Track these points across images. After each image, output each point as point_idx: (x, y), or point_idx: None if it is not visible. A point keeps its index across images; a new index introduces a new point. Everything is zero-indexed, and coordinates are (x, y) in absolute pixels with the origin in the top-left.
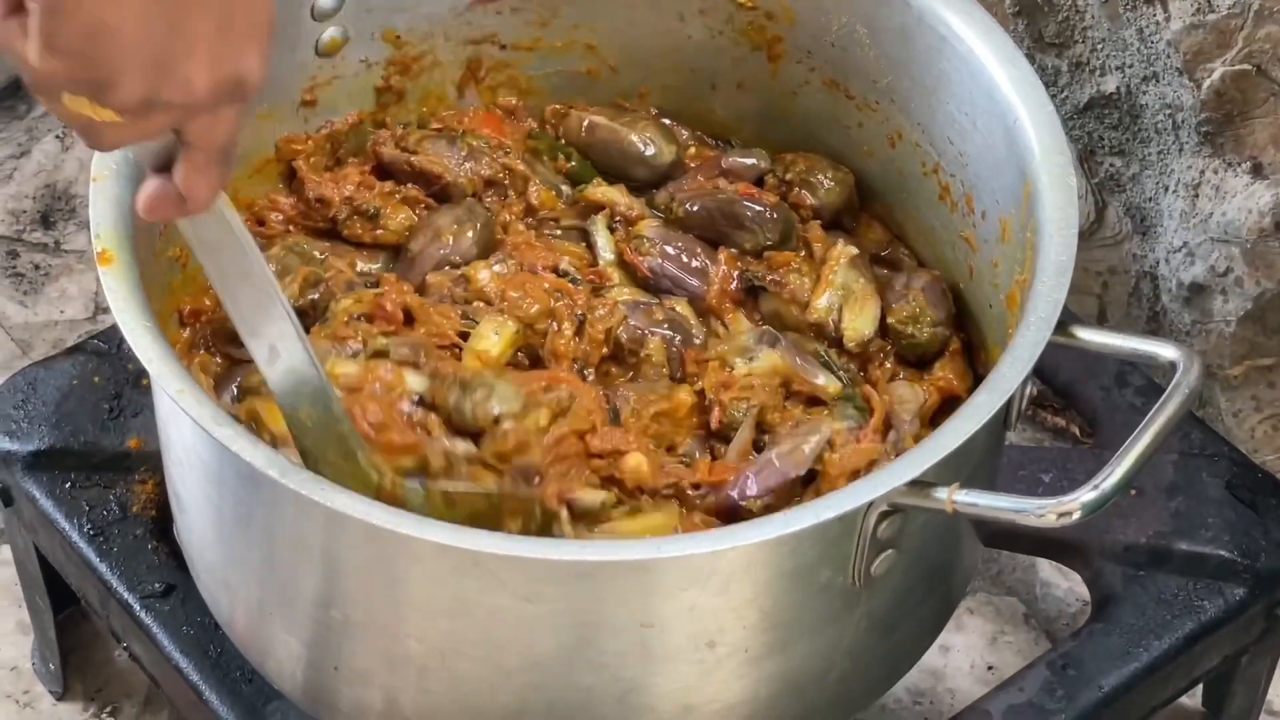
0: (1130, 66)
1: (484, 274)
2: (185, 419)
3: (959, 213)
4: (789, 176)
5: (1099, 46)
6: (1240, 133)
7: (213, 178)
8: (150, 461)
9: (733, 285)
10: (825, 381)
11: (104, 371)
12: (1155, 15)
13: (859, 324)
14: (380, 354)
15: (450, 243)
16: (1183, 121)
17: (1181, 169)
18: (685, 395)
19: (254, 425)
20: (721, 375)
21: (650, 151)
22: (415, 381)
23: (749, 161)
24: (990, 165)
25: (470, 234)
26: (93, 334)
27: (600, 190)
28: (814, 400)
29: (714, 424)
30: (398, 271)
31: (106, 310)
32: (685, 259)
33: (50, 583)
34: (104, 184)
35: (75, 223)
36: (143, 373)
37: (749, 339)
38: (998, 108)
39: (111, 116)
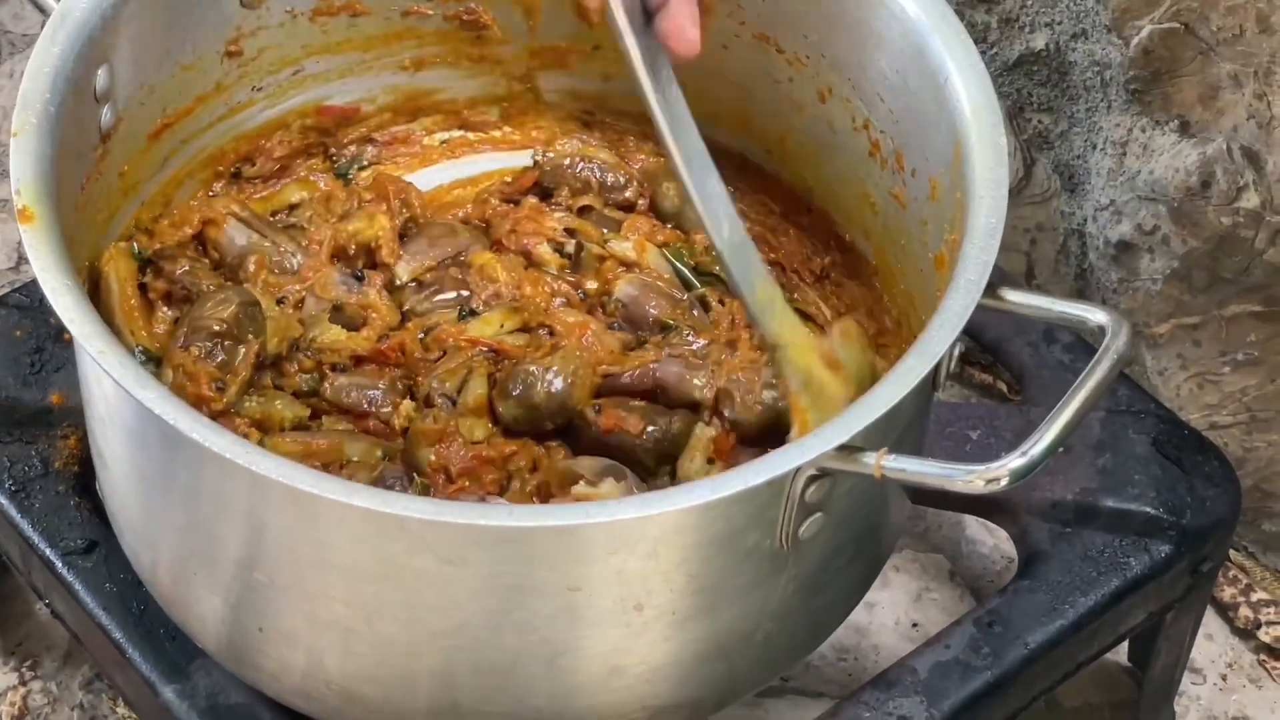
0: (1059, 23)
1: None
2: (107, 378)
3: (889, 169)
4: None
5: (1028, 3)
6: (1168, 91)
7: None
8: (72, 417)
9: None
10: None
11: (25, 325)
12: None
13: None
14: None
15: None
16: (1111, 79)
17: (1109, 127)
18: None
19: None
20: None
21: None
22: None
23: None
24: (920, 123)
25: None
26: (15, 286)
27: None
28: None
29: None
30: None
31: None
32: None
33: None
34: (24, 139)
35: None
36: (64, 327)
37: None
38: (928, 66)
39: None
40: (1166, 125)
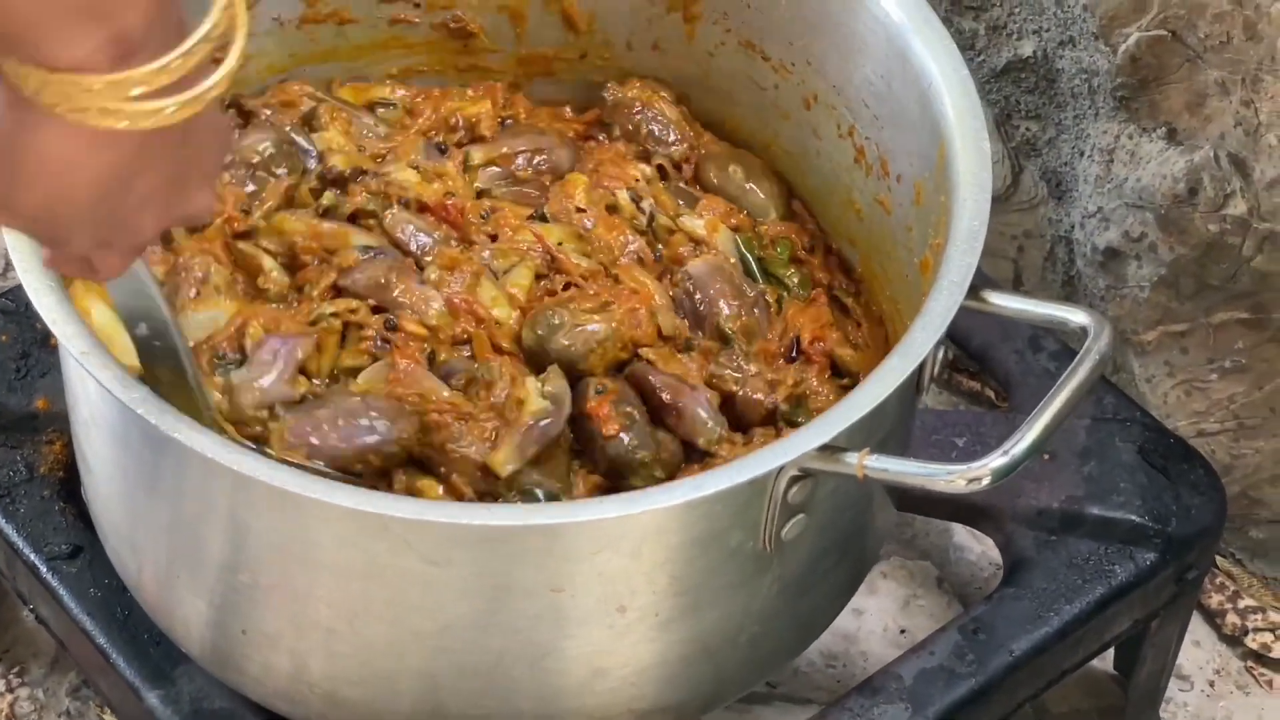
0: (1047, 30)
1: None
2: (91, 380)
3: (874, 175)
4: None
5: (1016, 10)
6: (1155, 98)
7: (129, 259)
8: (58, 422)
9: None
10: None
11: (11, 330)
12: None
13: None
14: None
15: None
16: (1098, 86)
17: (1097, 134)
18: None
19: None
20: None
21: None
22: None
23: None
24: (905, 128)
25: None
26: (1, 291)
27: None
28: None
29: None
30: None
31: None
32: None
33: None
34: None
35: None
36: (50, 332)
37: None
38: (913, 71)
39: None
40: (1154, 132)
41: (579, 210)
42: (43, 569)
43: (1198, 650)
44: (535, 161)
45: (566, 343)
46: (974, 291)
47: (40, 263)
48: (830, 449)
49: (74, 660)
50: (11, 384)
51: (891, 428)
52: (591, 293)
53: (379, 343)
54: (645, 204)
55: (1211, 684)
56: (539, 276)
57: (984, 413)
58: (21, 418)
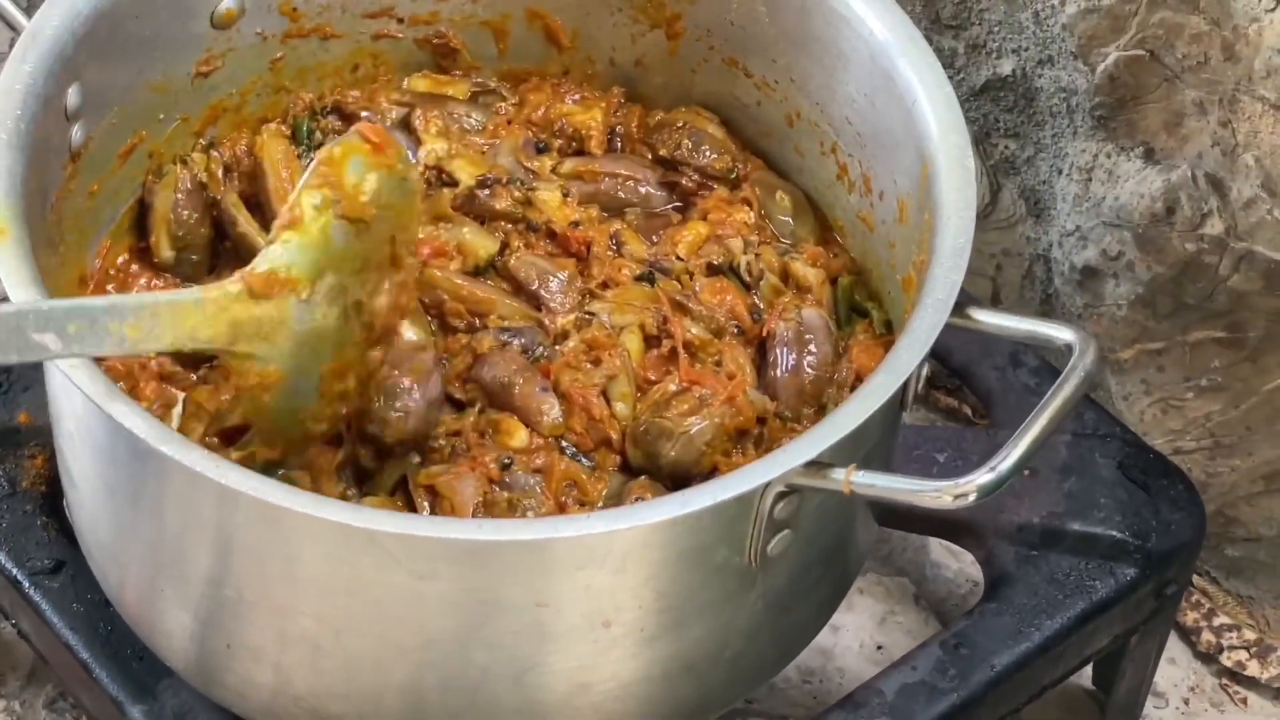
0: (1026, 50)
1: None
2: (76, 393)
3: (856, 192)
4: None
5: (995, 29)
6: (1133, 117)
7: None
8: (40, 436)
9: None
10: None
11: None
12: None
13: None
14: None
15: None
16: (1077, 105)
17: (1075, 152)
18: None
19: None
20: None
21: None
22: None
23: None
24: (888, 146)
25: None
26: None
27: None
28: None
29: None
30: None
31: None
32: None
33: None
34: None
35: None
36: None
37: None
38: (896, 89)
39: None
40: (1132, 151)
41: (688, 274)
42: (25, 584)
43: (1173, 667)
44: (622, 191)
45: (674, 454)
46: (958, 309)
47: (27, 278)
48: (817, 465)
49: (56, 675)
50: None
51: (876, 444)
52: (684, 388)
53: (462, 448)
54: (745, 259)
55: (1186, 701)
56: (647, 338)
57: (965, 429)
58: (3, 432)
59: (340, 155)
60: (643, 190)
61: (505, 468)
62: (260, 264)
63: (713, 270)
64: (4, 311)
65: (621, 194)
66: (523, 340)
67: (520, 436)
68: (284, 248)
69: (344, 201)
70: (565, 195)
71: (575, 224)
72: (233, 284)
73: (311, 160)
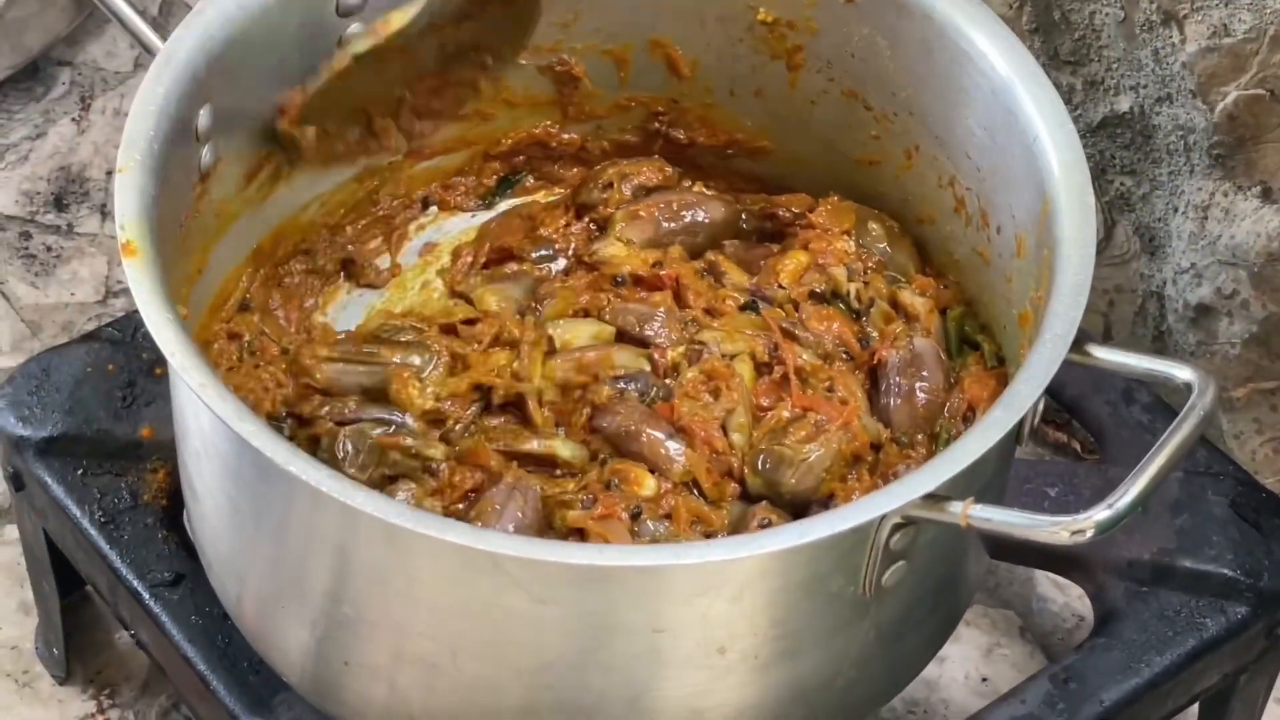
0: (1144, 87)
1: None
2: (204, 411)
3: (973, 226)
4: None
5: (1114, 66)
6: (1252, 156)
7: None
8: (162, 451)
9: None
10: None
11: (118, 359)
12: (1171, 37)
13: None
14: None
15: None
16: (1194, 143)
17: (1191, 190)
18: None
19: None
20: None
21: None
22: None
23: None
24: (1007, 181)
25: None
26: (104, 319)
27: None
28: None
29: None
30: None
31: (117, 294)
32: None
33: (56, 568)
34: (129, 175)
35: (88, 206)
36: (156, 362)
37: None
38: (1017, 124)
39: None
40: (1249, 190)
41: (791, 302)
42: (145, 596)
43: (1278, 707)
44: (673, 221)
45: (795, 481)
46: (1075, 345)
47: (157, 295)
48: (934, 498)
49: (174, 686)
50: (118, 412)
51: (991, 478)
52: (798, 415)
53: (589, 499)
54: (854, 286)
55: None
56: (757, 366)
57: (1076, 464)
58: (126, 446)
59: None
60: (700, 216)
61: (635, 517)
62: None
63: (816, 298)
64: None
65: (674, 224)
66: (637, 386)
67: (649, 485)
68: None
69: None
70: (628, 243)
71: (657, 264)
72: None
73: None
